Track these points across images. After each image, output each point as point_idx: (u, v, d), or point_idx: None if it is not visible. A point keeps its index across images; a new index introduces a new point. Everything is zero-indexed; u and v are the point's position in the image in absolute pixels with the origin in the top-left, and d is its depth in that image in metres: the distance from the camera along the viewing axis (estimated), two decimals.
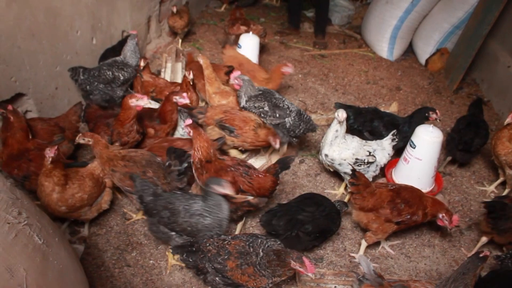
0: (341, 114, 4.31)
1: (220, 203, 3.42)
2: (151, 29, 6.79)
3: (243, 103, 4.71)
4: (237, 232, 4.08)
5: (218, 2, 9.09)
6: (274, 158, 4.73)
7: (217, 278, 3.21)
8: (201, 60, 4.96)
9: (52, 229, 2.65)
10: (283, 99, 4.75)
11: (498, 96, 6.42)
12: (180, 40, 7.19)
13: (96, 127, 4.40)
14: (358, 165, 4.43)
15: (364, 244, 4.00)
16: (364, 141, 4.58)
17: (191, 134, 3.80)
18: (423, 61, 7.55)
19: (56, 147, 3.41)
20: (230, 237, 3.32)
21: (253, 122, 4.56)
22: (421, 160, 4.47)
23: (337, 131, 4.40)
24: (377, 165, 4.52)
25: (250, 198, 3.84)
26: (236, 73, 4.74)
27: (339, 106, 5.02)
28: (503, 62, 6.35)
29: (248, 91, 4.69)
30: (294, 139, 4.77)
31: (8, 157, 3.92)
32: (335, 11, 8.77)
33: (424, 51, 7.51)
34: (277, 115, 4.59)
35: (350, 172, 3.98)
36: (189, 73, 4.86)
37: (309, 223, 3.74)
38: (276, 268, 3.07)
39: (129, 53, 5.03)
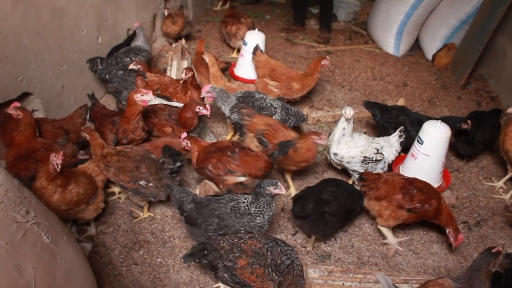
0: (348, 111, 4.27)
1: (271, 203, 3.46)
2: (156, 27, 6.80)
3: (227, 113, 4.68)
4: None
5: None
6: None
7: (225, 275, 3.20)
8: (207, 58, 4.96)
9: (60, 227, 2.66)
10: (264, 97, 4.76)
11: (507, 91, 6.36)
12: (173, 45, 6.79)
13: (101, 125, 4.39)
14: (366, 163, 4.42)
15: (385, 230, 4.08)
16: (371, 138, 4.56)
17: (189, 145, 4.01)
18: (430, 57, 7.50)
19: (62, 153, 3.34)
20: (247, 236, 3.30)
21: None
22: (428, 156, 4.43)
23: (344, 128, 4.38)
24: (385, 162, 4.51)
25: (243, 179, 3.86)
26: (207, 87, 4.68)
27: (367, 104, 5.06)
28: (511, 57, 6.29)
29: (224, 100, 4.63)
30: None
31: (15, 158, 3.89)
32: (340, 7, 8.73)
33: (431, 47, 7.46)
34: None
35: (359, 170, 3.98)
36: (185, 73, 4.85)
37: (333, 202, 3.77)
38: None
39: (140, 41, 5.49)
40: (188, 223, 3.60)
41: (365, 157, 4.40)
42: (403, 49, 7.59)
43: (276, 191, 3.37)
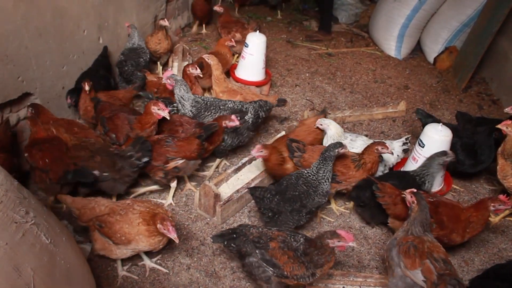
0: (318, 122, 4.58)
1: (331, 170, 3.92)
2: (157, 28, 6.77)
3: (187, 109, 4.59)
4: (169, 198, 4.30)
5: (224, 2, 9.08)
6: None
7: (254, 259, 3.24)
8: (211, 61, 4.94)
9: (59, 228, 2.65)
10: (226, 101, 4.74)
11: (508, 94, 6.36)
12: (160, 68, 6.32)
13: (115, 117, 4.34)
14: None
15: None
16: (371, 140, 4.56)
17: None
18: (431, 60, 7.49)
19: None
20: (274, 229, 3.40)
21: (352, 163, 4.20)
22: None
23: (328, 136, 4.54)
24: (385, 165, 4.50)
25: (180, 162, 4.08)
26: (168, 73, 4.69)
27: (420, 112, 5.05)
28: None
29: (183, 93, 4.56)
30: (252, 133, 4.80)
31: None
32: (342, 9, 8.72)
33: (432, 50, 7.45)
34: (238, 118, 4.44)
35: None
36: (195, 68, 4.87)
37: None
38: (316, 257, 3.16)
39: (137, 40, 5.56)
40: (275, 215, 3.79)
41: None
42: (405, 51, 7.58)
43: (343, 150, 3.87)
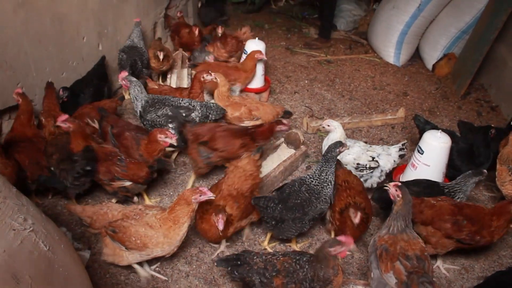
0: (325, 123, 4.57)
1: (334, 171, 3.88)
2: (157, 35, 6.80)
3: (139, 108, 4.67)
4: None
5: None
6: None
7: None
8: (218, 79, 4.91)
9: (57, 235, 2.63)
10: (180, 99, 4.75)
11: (507, 101, 6.36)
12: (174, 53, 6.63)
13: (123, 137, 4.28)
14: (360, 170, 4.44)
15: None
16: (368, 145, 4.57)
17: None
18: (430, 66, 7.50)
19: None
20: (280, 253, 3.30)
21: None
22: (429, 166, 4.42)
23: (329, 138, 4.53)
24: (382, 170, 4.49)
25: (127, 184, 4.03)
26: (123, 74, 4.74)
27: (418, 119, 5.05)
28: (511, 67, 6.30)
29: (137, 93, 4.64)
30: None
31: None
32: (340, 16, 8.75)
33: (431, 56, 7.47)
34: (183, 114, 4.53)
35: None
36: (209, 74, 4.86)
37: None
38: (321, 272, 3.09)
39: (136, 39, 5.63)
40: (278, 223, 3.76)
41: (358, 164, 4.43)
42: (404, 58, 7.60)
43: (344, 148, 3.81)
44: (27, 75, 4.31)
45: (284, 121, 4.42)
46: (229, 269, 3.27)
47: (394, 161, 4.52)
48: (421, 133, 4.73)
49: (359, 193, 3.89)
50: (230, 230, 3.72)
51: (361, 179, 4.35)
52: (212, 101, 5.06)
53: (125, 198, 4.20)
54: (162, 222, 3.31)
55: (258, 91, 5.99)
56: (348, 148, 4.03)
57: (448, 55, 7.25)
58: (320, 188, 3.80)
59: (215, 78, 4.91)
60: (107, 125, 4.37)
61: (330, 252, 3.05)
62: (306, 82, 6.82)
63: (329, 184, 3.82)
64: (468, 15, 6.93)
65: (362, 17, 8.76)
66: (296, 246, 4.06)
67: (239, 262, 3.25)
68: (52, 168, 3.98)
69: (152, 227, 3.30)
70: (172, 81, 6.09)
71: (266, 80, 6.11)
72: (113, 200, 4.21)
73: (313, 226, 4.10)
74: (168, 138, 4.00)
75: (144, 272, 3.61)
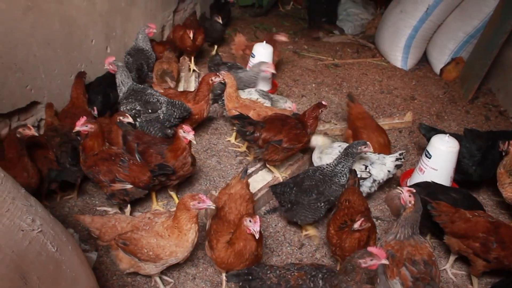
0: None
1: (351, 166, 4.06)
2: (164, 38, 6.82)
3: (121, 95, 4.85)
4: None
5: (232, 12, 9.13)
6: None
7: None
8: (227, 80, 4.90)
9: (65, 237, 2.64)
10: (153, 93, 4.82)
11: None
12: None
13: (147, 154, 4.19)
14: None
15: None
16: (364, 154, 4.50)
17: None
18: (437, 71, 7.47)
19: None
20: (295, 268, 3.17)
21: None
22: (436, 170, 4.40)
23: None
24: (374, 180, 4.39)
25: (128, 187, 3.97)
26: (110, 59, 4.83)
27: (424, 128, 4.98)
28: None
29: (123, 78, 4.82)
30: (170, 130, 4.77)
31: None
32: (348, 20, 8.75)
33: (439, 61, 7.44)
34: (149, 111, 4.66)
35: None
36: (217, 77, 4.88)
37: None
38: (345, 285, 2.92)
39: (141, 42, 5.64)
40: (293, 206, 3.94)
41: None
42: (411, 62, 7.57)
43: (366, 149, 3.99)
44: (35, 77, 4.33)
45: (323, 102, 4.58)
46: (240, 284, 3.17)
47: (389, 171, 4.40)
48: (428, 140, 4.66)
49: (358, 214, 3.56)
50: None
51: None
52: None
53: (118, 204, 4.16)
54: (170, 232, 3.27)
55: None
56: (372, 151, 4.19)
57: (456, 59, 7.22)
58: (334, 175, 3.98)
59: (223, 80, 4.92)
60: (133, 141, 4.28)
61: (360, 264, 2.83)
62: (314, 85, 6.81)
63: (344, 176, 3.97)
64: (476, 19, 6.90)
65: (370, 21, 8.75)
66: (309, 231, 4.19)
67: (251, 277, 3.14)
68: (54, 150, 4.10)
69: (162, 236, 3.26)
70: (180, 84, 6.10)
71: (273, 83, 6.11)
72: (111, 210, 4.24)
73: (328, 212, 4.06)
74: (186, 133, 4.00)
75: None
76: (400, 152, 4.46)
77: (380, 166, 4.39)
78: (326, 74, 7.21)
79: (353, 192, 3.89)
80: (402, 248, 3.28)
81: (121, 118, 4.29)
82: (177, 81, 5.96)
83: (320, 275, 3.04)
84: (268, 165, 4.64)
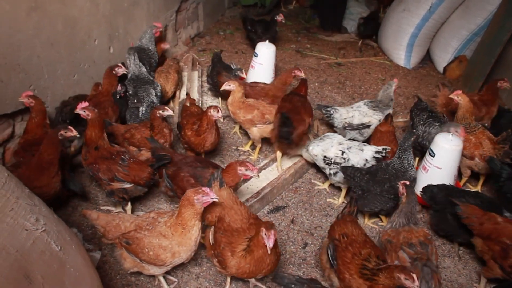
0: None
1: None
2: (167, 38, 6.83)
3: (129, 76, 5.08)
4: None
5: (234, 11, 9.13)
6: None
7: None
8: (233, 86, 4.82)
9: (69, 236, 2.65)
10: (148, 89, 4.94)
11: None
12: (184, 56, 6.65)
13: (178, 178, 3.94)
14: (326, 163, 4.45)
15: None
16: (346, 140, 4.60)
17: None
18: (441, 69, 7.46)
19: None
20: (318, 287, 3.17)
21: None
22: (440, 169, 4.39)
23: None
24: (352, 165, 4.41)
25: (127, 186, 3.98)
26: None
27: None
28: None
29: (131, 64, 5.06)
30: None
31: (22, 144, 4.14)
32: (350, 19, 8.74)
33: (442, 59, 7.43)
34: (135, 100, 4.89)
35: (327, 170, 4.46)
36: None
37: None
38: None
39: (146, 42, 5.61)
40: (364, 193, 4.12)
41: (325, 156, 4.46)
42: (414, 61, 7.56)
43: (414, 138, 4.30)
44: (39, 77, 4.35)
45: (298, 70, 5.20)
46: None
47: (367, 160, 4.38)
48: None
49: (363, 245, 3.29)
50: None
51: (329, 172, 4.48)
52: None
53: (118, 202, 4.15)
54: (173, 230, 3.22)
55: None
56: (414, 138, 4.38)
57: (459, 58, 7.21)
58: (405, 170, 4.21)
59: (230, 85, 4.88)
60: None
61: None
62: (317, 84, 6.81)
63: (412, 167, 4.26)
64: (479, 17, 6.88)
65: None
66: (368, 221, 4.42)
67: (292, 286, 3.14)
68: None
69: (165, 236, 3.22)
70: (183, 88, 6.08)
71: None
72: (115, 210, 4.24)
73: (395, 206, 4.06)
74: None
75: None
76: (384, 147, 4.43)
77: (358, 151, 4.42)
78: (329, 73, 7.20)
79: (344, 223, 3.49)
80: (398, 234, 3.52)
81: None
82: (179, 85, 5.86)
83: None
84: (277, 152, 4.86)
